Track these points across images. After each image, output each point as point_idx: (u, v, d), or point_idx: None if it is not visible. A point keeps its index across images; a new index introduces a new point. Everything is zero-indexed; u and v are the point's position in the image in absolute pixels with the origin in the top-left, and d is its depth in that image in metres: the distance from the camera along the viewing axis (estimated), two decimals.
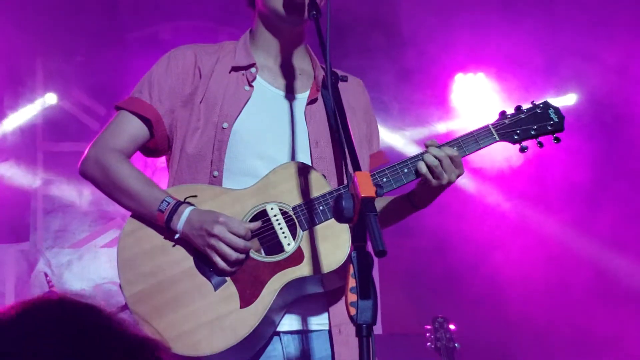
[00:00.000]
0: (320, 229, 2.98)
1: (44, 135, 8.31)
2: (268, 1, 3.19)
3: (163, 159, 3.39)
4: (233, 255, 2.90)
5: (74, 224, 8.28)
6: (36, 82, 8.27)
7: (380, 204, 3.22)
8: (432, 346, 5.23)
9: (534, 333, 8.05)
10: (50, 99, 8.25)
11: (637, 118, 8.44)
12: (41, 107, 8.23)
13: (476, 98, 8.73)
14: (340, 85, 3.09)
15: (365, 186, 2.38)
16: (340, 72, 3.29)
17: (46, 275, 6.86)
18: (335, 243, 2.95)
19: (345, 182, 3.04)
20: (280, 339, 3.05)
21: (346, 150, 2.55)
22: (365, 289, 2.32)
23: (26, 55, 8.02)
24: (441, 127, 8.78)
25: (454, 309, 6.97)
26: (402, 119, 8.69)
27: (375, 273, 8.39)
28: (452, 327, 5.28)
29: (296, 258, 2.95)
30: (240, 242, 2.90)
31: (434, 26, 8.08)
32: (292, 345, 3.05)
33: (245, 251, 2.93)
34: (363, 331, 2.31)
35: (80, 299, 1.55)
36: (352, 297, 2.33)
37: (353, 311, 2.32)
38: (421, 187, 3.07)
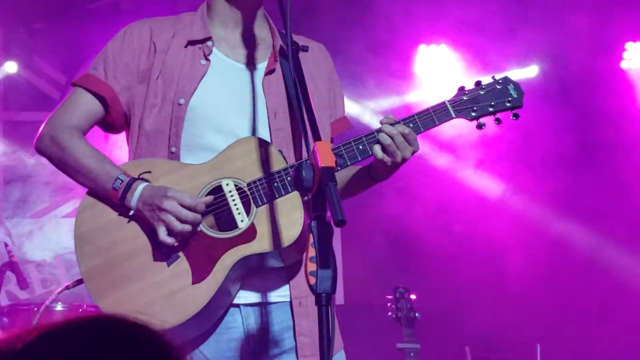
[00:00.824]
0: (274, 205, 2.96)
1: (4, 104, 8.26)
2: None
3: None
4: (178, 226, 2.88)
5: (35, 194, 8.26)
6: None
7: (341, 175, 3.21)
8: (394, 316, 5.24)
9: (488, 303, 8.14)
10: (10, 67, 8.20)
11: (601, 86, 8.53)
12: (1, 76, 8.18)
13: (439, 69, 8.76)
14: (302, 54, 3.11)
15: (325, 156, 2.39)
16: (301, 41, 3.26)
17: (6, 245, 6.82)
18: (288, 220, 2.94)
19: (305, 155, 3.03)
20: (240, 311, 3.04)
21: (306, 121, 2.56)
22: (325, 259, 2.33)
23: None
24: (408, 98, 8.80)
25: (415, 279, 7.02)
26: (366, 90, 8.70)
27: (338, 244, 8.46)
28: (413, 297, 5.30)
29: (249, 234, 2.93)
30: (189, 214, 2.88)
31: None
32: (252, 317, 3.04)
33: (195, 223, 2.91)
34: (322, 300, 2.32)
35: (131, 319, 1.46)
36: (312, 267, 2.34)
37: (312, 280, 2.33)
38: (378, 162, 3.04)
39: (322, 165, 2.36)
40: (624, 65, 8.78)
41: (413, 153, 3.02)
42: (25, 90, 8.12)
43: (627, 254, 8.30)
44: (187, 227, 2.90)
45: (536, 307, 8.08)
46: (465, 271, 8.22)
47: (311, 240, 2.36)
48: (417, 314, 5.21)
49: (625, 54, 8.76)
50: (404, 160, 3.01)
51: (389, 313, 5.27)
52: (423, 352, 5.15)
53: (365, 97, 8.69)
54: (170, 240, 2.91)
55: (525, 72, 8.75)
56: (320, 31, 7.19)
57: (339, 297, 8.43)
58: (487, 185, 8.70)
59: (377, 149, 2.97)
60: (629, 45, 8.72)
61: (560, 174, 8.28)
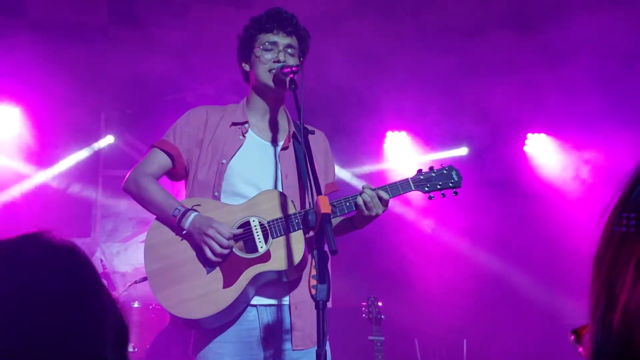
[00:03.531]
0: (283, 239, 2.97)
1: (104, 164, 8.30)
2: (261, 78, 3.20)
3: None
4: (218, 249, 2.92)
5: (122, 226, 8.25)
6: (100, 127, 8.30)
7: (333, 222, 3.23)
8: (366, 317, 5.19)
9: (432, 308, 8.08)
10: (109, 139, 8.28)
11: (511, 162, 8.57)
12: (103, 145, 8.25)
13: (401, 149, 8.80)
14: (310, 136, 3.16)
15: (324, 206, 2.41)
16: (309, 128, 3.31)
17: (101, 260, 6.79)
18: (294, 249, 2.95)
19: (306, 205, 3.07)
20: (257, 310, 3.05)
21: (312, 182, 2.58)
22: (322, 276, 2.34)
23: (92, 110, 8.05)
24: (375, 167, 8.83)
25: (382, 291, 6.99)
26: (351, 161, 8.74)
27: (330, 265, 8.41)
28: (380, 304, 5.25)
29: (266, 257, 2.95)
30: (224, 242, 2.91)
31: (375, 96, 8.14)
32: (264, 314, 3.05)
33: (228, 248, 2.93)
34: (320, 306, 2.33)
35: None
36: (313, 282, 2.35)
37: (314, 292, 2.34)
38: (358, 214, 3.06)
39: (323, 212, 2.39)
40: (526, 149, 8.84)
41: (384, 211, 3.04)
42: (118, 155, 8.16)
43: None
44: (225, 251, 2.93)
45: (465, 310, 8.02)
46: (419, 285, 8.18)
47: (313, 263, 2.38)
48: (382, 316, 5.16)
49: (527, 141, 8.81)
50: (377, 215, 3.03)
51: (363, 315, 5.23)
52: (386, 343, 5.10)
53: (348, 166, 8.73)
54: (214, 258, 2.94)
55: (459, 152, 8.80)
56: (324, 118, 7.24)
57: (329, 303, 8.38)
58: (438, 230, 8.71)
59: (359, 200, 2.99)
60: (529, 135, 8.78)
61: (478, 216, 8.28)
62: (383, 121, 8.56)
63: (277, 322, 3.04)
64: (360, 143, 8.63)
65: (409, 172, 3.22)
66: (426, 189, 3.14)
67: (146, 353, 5.65)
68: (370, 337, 5.13)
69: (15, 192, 7.75)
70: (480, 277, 8.28)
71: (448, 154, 8.57)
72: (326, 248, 2.36)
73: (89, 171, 8.19)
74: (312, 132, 3.30)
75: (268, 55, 3.18)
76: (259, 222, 3.00)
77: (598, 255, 0.77)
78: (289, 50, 3.20)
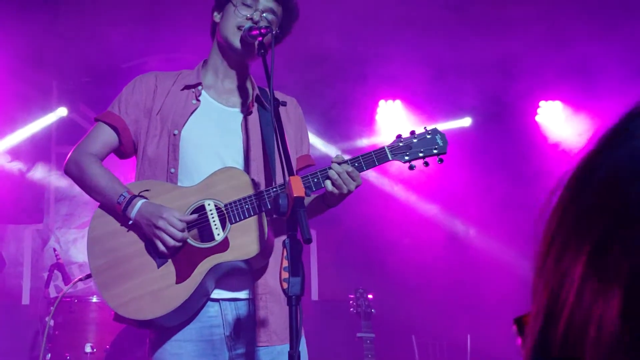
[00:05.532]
0: (243, 224, 2.94)
1: (56, 140, 8.24)
2: (226, 33, 3.17)
3: None
4: (171, 242, 2.89)
5: (79, 210, 8.22)
6: (51, 99, 8.22)
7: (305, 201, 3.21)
8: (354, 311, 5.21)
9: (431, 301, 8.12)
10: (62, 111, 8.19)
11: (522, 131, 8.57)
12: (55, 118, 8.16)
13: (395, 120, 8.77)
14: (281, 107, 3.16)
15: (297, 188, 2.39)
16: (280, 96, 3.28)
17: (54, 250, 6.76)
18: (252, 237, 2.92)
19: (273, 183, 3.05)
20: (220, 305, 3.03)
21: (283, 159, 2.55)
22: (296, 268, 2.34)
23: (44, 79, 7.97)
24: (366, 142, 8.82)
25: (372, 281, 6.99)
26: (338, 134, 8.71)
27: (314, 254, 8.45)
28: (370, 296, 5.27)
29: (223, 246, 2.92)
30: (177, 234, 2.89)
31: (366, 60, 8.10)
32: (228, 309, 3.03)
33: (181, 241, 2.92)
34: (292, 301, 2.32)
35: None
36: (285, 275, 2.34)
37: (285, 285, 2.33)
38: (328, 193, 3.00)
39: (295, 195, 2.37)
40: (538, 118, 8.83)
41: (357, 187, 2.98)
42: (73, 129, 8.08)
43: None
44: (178, 244, 2.91)
45: (469, 302, 8.06)
46: (413, 275, 8.20)
47: (285, 254, 2.36)
48: (372, 310, 5.18)
49: (539, 110, 8.81)
50: (349, 192, 2.97)
51: (351, 309, 5.24)
52: (377, 340, 5.11)
53: (339, 140, 8.71)
54: (165, 251, 2.92)
55: (461, 122, 8.79)
56: (296, 89, 7.20)
57: (314, 294, 8.41)
58: (426, 208, 8.73)
59: (327, 182, 2.95)
60: (541, 103, 8.77)
61: (485, 197, 8.29)
62: (374, 89, 8.52)
63: (243, 317, 3.03)
64: (349, 115, 8.60)
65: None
66: (406, 157, 3.06)
67: (106, 353, 5.64)
68: (359, 334, 5.15)
69: None
70: (487, 265, 8.31)
71: (449, 125, 8.55)
72: (299, 236, 2.34)
73: (39, 148, 8.11)
74: (284, 104, 3.27)
75: (244, 11, 3.15)
76: (215, 206, 2.98)
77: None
78: (267, 15, 3.16)
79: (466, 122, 8.83)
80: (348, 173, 2.94)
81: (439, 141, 3.11)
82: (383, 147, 3.06)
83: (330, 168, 2.95)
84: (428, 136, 3.12)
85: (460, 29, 7.55)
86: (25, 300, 7.86)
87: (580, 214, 0.69)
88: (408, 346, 7.58)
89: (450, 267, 8.33)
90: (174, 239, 2.90)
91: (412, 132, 3.13)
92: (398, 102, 8.80)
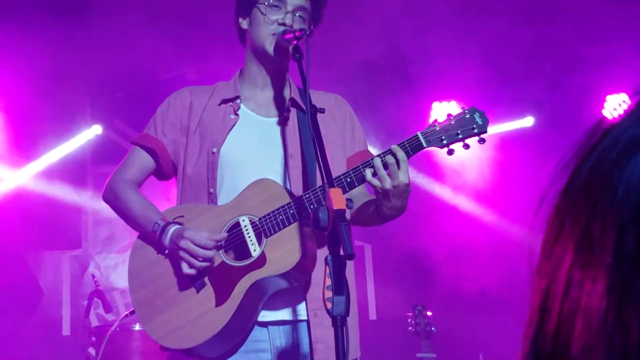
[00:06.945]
0: (279, 236, 2.94)
1: (92, 160, 8.34)
2: (260, 42, 3.18)
3: None
4: (197, 263, 2.92)
5: (119, 233, 8.29)
6: (85, 117, 8.31)
7: (357, 204, 3.19)
8: (413, 330, 5.20)
9: (499, 317, 8.04)
10: (96, 129, 8.27)
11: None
12: (91, 136, 8.26)
13: None
14: (325, 105, 3.22)
15: (337, 200, 2.38)
16: (323, 98, 3.30)
17: (93, 276, 6.83)
18: (288, 248, 2.92)
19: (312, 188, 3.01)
20: (268, 329, 3.03)
21: (322, 170, 2.56)
22: (339, 287, 2.32)
23: (77, 95, 8.05)
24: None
25: (431, 298, 6.97)
26: (391, 136, 8.70)
27: (370, 270, 8.43)
28: (429, 313, 5.26)
29: (261, 261, 2.93)
30: (199, 251, 2.90)
31: (415, 62, 8.10)
32: (277, 334, 3.03)
33: (207, 260, 2.93)
34: (338, 322, 2.31)
35: None
36: (328, 294, 2.33)
37: (329, 305, 2.33)
38: (378, 196, 2.94)
39: (336, 208, 2.36)
40: (605, 112, 8.71)
41: (405, 189, 2.88)
42: (109, 147, 8.17)
43: None
44: (202, 264, 2.93)
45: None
46: (475, 289, 8.14)
47: (327, 271, 2.35)
48: (433, 328, 5.17)
49: (605, 104, 8.70)
50: (398, 194, 2.88)
51: (409, 327, 5.23)
52: None
53: (388, 142, 8.68)
54: (191, 272, 2.95)
55: (522, 123, 8.71)
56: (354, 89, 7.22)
57: (372, 314, 8.38)
58: (494, 223, 8.64)
59: (368, 172, 2.88)
60: (609, 97, 8.66)
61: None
62: (428, 90, 8.50)
63: (293, 341, 3.03)
64: (400, 117, 8.58)
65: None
66: (443, 141, 2.94)
67: None
68: (419, 354, 5.13)
69: None
70: None
71: (509, 127, 8.48)
72: (342, 252, 2.34)
73: (75, 169, 8.21)
74: (322, 111, 3.25)
75: (274, 15, 3.15)
76: (250, 221, 2.99)
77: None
78: (299, 14, 3.15)
79: (528, 121, 8.75)
80: (398, 161, 2.85)
81: (478, 120, 2.98)
82: (416, 134, 2.96)
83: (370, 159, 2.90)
84: (466, 116, 2.99)
85: (513, 18, 7.49)
86: (66, 330, 7.97)
87: (570, 202, 0.73)
88: None
89: (516, 278, 8.22)
90: (198, 258, 2.92)
91: (449, 115, 3.02)
92: (453, 102, 8.77)
